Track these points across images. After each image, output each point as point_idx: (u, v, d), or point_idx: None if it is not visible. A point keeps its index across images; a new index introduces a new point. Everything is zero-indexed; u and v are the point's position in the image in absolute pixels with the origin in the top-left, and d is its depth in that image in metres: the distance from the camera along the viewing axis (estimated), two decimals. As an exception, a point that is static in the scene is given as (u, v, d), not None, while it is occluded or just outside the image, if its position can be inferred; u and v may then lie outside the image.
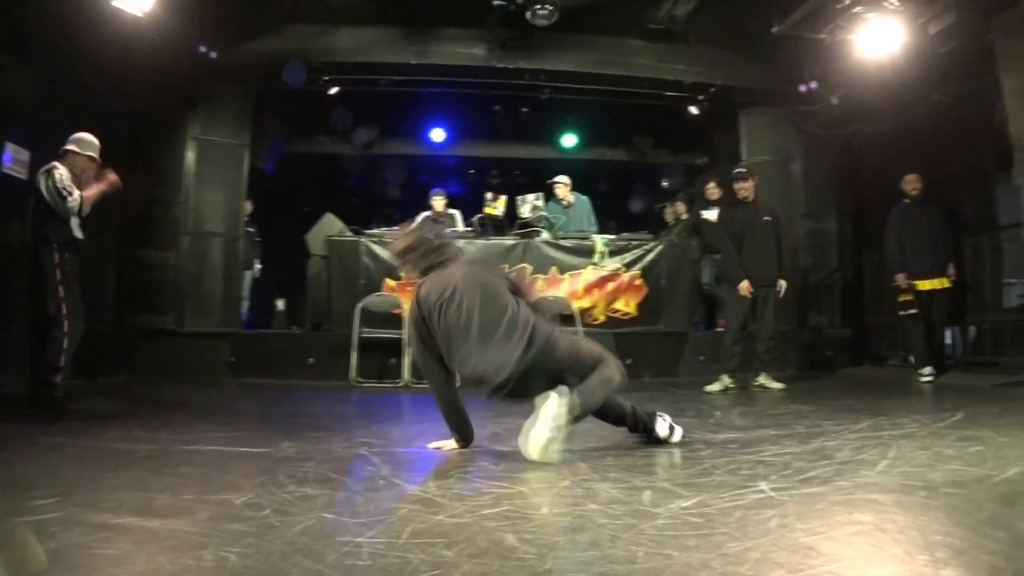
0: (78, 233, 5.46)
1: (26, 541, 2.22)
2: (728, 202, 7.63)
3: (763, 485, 2.76)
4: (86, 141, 5.51)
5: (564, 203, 9.57)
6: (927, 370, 7.39)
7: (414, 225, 3.92)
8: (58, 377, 5.16)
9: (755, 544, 2.03)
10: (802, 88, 8.82)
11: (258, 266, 10.22)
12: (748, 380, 7.25)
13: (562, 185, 9.63)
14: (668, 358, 8.60)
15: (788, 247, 7.83)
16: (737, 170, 7.40)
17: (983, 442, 3.58)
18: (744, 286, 7.10)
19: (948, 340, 8.01)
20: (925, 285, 7.62)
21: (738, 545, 2.03)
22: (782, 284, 7.24)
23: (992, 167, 8.37)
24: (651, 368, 8.43)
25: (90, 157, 5.50)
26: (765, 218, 7.28)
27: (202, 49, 8.15)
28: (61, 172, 5.26)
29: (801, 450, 3.55)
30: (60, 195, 5.21)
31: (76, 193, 5.30)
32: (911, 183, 7.74)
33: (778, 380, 7.19)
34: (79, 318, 5.38)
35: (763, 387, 7.10)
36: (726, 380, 7.05)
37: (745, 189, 7.27)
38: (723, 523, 2.25)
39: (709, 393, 6.84)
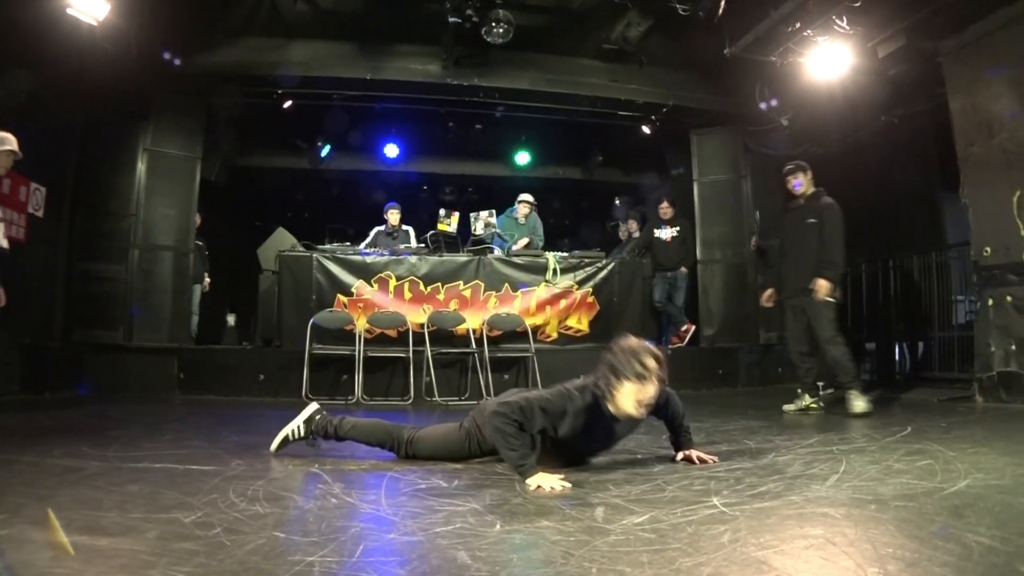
0: None
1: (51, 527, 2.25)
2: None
3: (715, 500, 2.78)
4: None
5: (521, 220, 9.63)
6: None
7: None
8: None
9: (707, 559, 2.04)
10: (762, 106, 8.96)
11: (207, 280, 10.05)
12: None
13: (526, 203, 9.74)
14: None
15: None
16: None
17: (931, 456, 3.66)
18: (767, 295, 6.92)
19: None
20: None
21: (691, 560, 2.03)
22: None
23: (940, 186, 8.62)
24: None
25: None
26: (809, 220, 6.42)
27: (166, 55, 8.05)
28: None
29: (752, 465, 3.59)
30: None
31: None
32: None
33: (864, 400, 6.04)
34: None
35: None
36: (806, 399, 6.45)
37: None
38: (676, 538, 2.26)
39: (785, 412, 6.39)
